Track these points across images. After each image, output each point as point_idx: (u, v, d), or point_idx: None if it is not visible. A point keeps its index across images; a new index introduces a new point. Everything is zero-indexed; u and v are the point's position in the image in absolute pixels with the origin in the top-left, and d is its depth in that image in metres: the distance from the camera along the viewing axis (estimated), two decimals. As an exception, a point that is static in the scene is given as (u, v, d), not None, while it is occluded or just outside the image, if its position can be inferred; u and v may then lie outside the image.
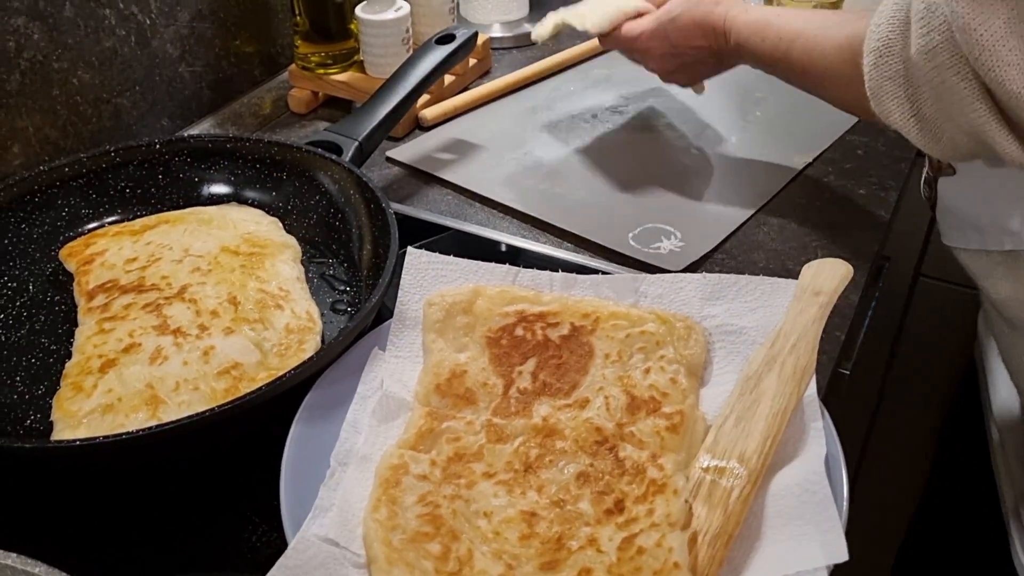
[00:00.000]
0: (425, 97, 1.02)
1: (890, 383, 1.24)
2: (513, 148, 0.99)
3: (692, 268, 0.82)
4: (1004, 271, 0.70)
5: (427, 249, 0.72)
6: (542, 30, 0.97)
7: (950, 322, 1.17)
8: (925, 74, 0.60)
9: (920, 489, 1.26)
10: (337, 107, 1.07)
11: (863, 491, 1.31)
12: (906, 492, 1.27)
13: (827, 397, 0.75)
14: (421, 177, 0.95)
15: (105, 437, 0.56)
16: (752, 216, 0.89)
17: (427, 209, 0.90)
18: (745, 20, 0.83)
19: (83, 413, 0.63)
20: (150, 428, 0.56)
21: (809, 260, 0.79)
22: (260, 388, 0.59)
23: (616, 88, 1.11)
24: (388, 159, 0.97)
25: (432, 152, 0.98)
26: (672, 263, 0.81)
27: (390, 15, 1.00)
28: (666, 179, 0.94)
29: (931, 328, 1.19)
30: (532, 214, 0.88)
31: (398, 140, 1.01)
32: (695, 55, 0.88)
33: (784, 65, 0.80)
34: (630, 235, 0.85)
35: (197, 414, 0.57)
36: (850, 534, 0.52)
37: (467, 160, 0.97)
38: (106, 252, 0.78)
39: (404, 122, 0.98)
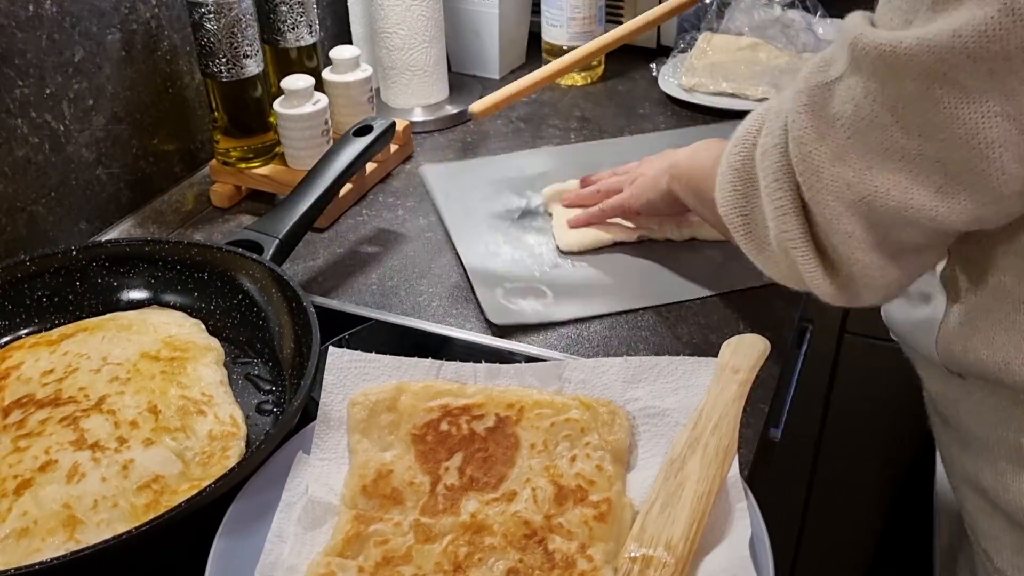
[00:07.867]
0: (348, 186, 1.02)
1: (825, 442, 1.26)
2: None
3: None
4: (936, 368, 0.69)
5: (351, 340, 0.72)
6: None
7: (878, 376, 1.20)
8: (758, 172, 0.60)
9: (869, 546, 1.27)
10: (261, 199, 1.07)
11: (810, 546, 1.32)
12: (854, 544, 1.28)
13: (757, 465, 0.75)
14: (345, 267, 0.95)
15: (16, 569, 0.54)
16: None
17: (352, 300, 0.90)
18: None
19: (-3, 540, 0.61)
20: (63, 556, 0.55)
21: (731, 332, 0.81)
22: (179, 505, 0.58)
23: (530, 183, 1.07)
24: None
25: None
26: None
27: (308, 108, 1.01)
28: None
29: (861, 384, 1.21)
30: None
31: (323, 231, 1.01)
32: None
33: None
34: None
35: (112, 538, 0.55)
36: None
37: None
38: (22, 365, 0.76)
39: (328, 213, 0.98)
